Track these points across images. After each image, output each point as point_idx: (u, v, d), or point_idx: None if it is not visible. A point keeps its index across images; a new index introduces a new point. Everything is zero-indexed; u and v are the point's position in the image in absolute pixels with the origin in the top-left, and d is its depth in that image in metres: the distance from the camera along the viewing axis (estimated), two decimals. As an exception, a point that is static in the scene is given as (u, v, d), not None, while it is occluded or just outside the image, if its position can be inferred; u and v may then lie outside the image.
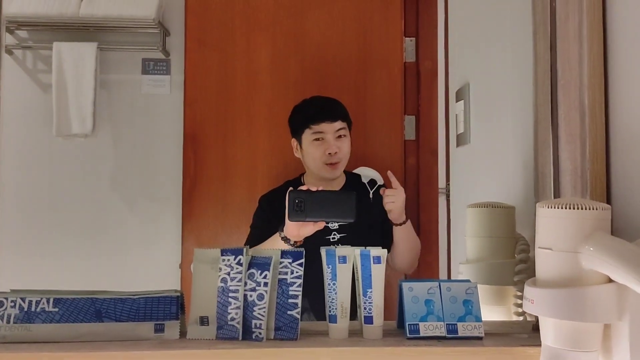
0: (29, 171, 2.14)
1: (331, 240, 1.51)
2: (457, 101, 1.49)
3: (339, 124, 1.57)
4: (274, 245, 1.28)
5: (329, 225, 1.52)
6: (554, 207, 0.75)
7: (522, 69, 1.08)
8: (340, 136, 1.57)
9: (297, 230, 1.23)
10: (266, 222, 1.51)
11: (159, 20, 2.09)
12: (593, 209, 0.73)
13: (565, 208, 0.74)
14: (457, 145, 1.50)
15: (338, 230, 1.54)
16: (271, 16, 2.13)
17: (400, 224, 1.49)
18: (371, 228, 1.57)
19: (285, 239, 1.27)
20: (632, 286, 0.67)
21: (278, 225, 1.30)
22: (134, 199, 2.18)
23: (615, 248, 0.70)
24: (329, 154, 1.54)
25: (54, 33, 2.15)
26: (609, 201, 0.84)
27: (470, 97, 1.41)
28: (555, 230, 0.75)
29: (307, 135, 1.58)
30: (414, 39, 2.17)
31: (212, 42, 2.12)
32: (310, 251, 0.91)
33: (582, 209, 0.73)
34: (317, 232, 1.23)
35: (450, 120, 1.65)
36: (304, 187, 1.19)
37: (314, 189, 1.17)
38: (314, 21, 2.13)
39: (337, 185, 1.64)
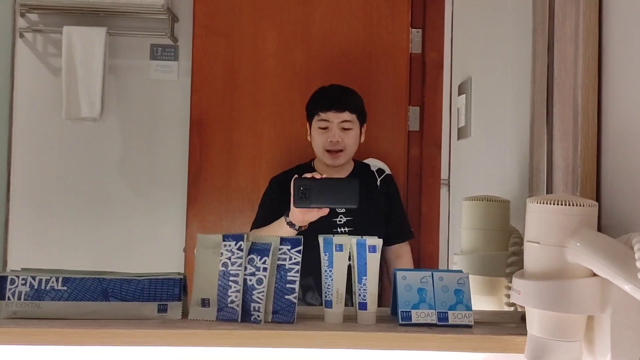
0: (38, 153, 2.18)
1: (337, 222, 1.55)
2: (459, 95, 1.52)
3: (346, 115, 1.61)
4: (279, 229, 1.32)
5: (337, 208, 1.56)
6: (543, 203, 0.78)
7: (522, 67, 1.11)
8: (345, 128, 1.61)
9: (302, 216, 1.27)
10: (275, 203, 1.56)
11: (168, 7, 2.12)
12: (580, 205, 0.76)
13: (554, 204, 0.77)
14: (458, 138, 1.53)
15: (345, 214, 1.58)
16: (278, 4, 2.15)
17: None
18: (377, 213, 1.62)
19: (291, 224, 1.31)
20: (614, 281, 0.70)
21: (286, 205, 1.35)
22: (140, 183, 2.22)
23: (599, 244, 0.73)
24: (330, 141, 1.59)
25: (65, 17, 2.18)
26: (598, 198, 0.87)
27: (472, 92, 1.43)
28: (543, 225, 0.78)
29: (315, 122, 1.63)
30: (420, 30, 2.18)
31: (220, 29, 2.14)
32: (317, 233, 0.96)
33: (569, 205, 0.76)
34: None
35: (453, 113, 1.68)
36: (308, 175, 1.23)
37: (318, 176, 1.22)
38: (321, 10, 2.15)
39: (345, 172, 1.68)
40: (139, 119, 2.22)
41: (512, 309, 1.03)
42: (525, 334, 0.83)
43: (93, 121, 2.13)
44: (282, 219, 1.34)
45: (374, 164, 1.81)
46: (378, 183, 1.68)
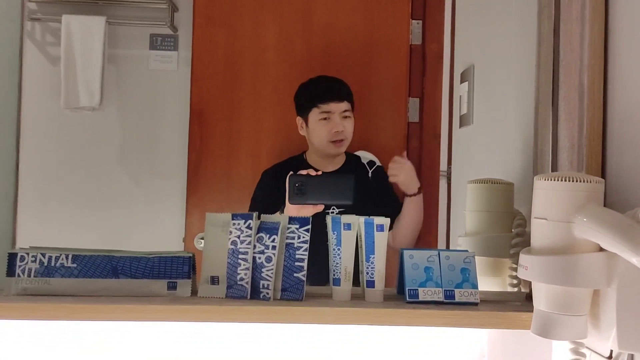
0: (36, 142, 2.17)
1: (330, 214, 1.57)
2: (461, 82, 1.53)
3: (345, 105, 1.64)
4: None
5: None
6: (551, 180, 0.79)
7: (526, 51, 1.12)
8: (345, 117, 1.64)
9: (297, 212, 1.28)
10: (268, 195, 1.58)
11: (168, -4, 2.12)
12: (587, 181, 0.77)
13: (561, 180, 0.78)
14: (460, 125, 1.55)
15: (337, 206, 1.60)
16: (279, -6, 2.15)
17: (412, 195, 1.55)
18: (369, 205, 1.63)
19: None
20: (621, 254, 0.71)
21: (279, 197, 1.36)
22: (139, 172, 2.21)
23: (606, 218, 0.74)
24: (335, 132, 1.61)
25: (63, 6, 2.17)
26: (603, 177, 0.88)
27: (474, 79, 1.45)
28: (550, 201, 0.79)
29: (315, 114, 1.64)
30: (420, 21, 2.19)
31: (220, 19, 2.15)
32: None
33: (576, 181, 0.77)
34: None
35: (455, 101, 1.69)
36: (304, 172, 1.26)
37: (313, 173, 1.24)
38: (321, 1, 2.15)
39: (337, 163, 1.70)
40: (139, 108, 2.21)
41: (515, 289, 1.05)
42: (531, 312, 0.85)
43: (92, 110, 2.13)
44: (277, 215, 1.35)
45: (365, 156, 1.83)
46: (370, 175, 1.71)
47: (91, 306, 0.84)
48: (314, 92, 1.67)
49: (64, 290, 0.89)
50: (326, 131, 1.61)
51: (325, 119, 1.63)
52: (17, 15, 1.12)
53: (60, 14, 2.11)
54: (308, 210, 1.27)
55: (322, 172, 1.28)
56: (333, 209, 1.56)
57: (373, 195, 1.68)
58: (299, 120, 1.71)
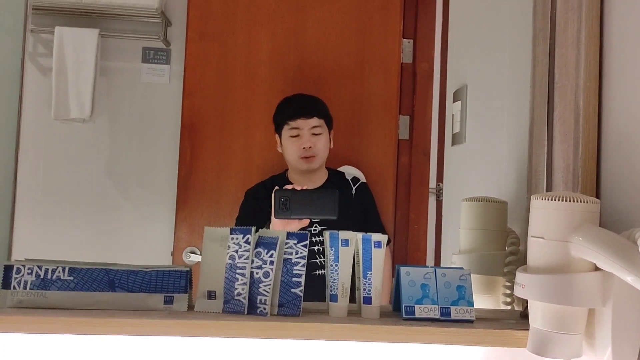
0: (25, 152, 2.15)
1: (312, 231, 1.57)
2: (454, 102, 1.55)
3: (315, 121, 1.66)
4: None
5: (314, 218, 1.58)
6: (548, 199, 0.80)
7: (520, 72, 1.14)
8: (315, 133, 1.66)
9: (282, 227, 1.29)
10: (251, 214, 1.58)
11: (162, 10, 2.13)
12: (583, 202, 0.79)
13: (558, 200, 0.79)
14: (452, 144, 1.57)
15: (319, 223, 1.60)
16: (272, 12, 2.17)
17: None
18: (352, 222, 1.64)
19: None
20: (617, 273, 0.72)
21: (262, 217, 1.36)
22: (129, 186, 2.20)
23: (602, 238, 0.76)
24: (304, 148, 1.63)
25: (56, 17, 2.17)
26: (598, 197, 0.90)
27: (467, 98, 1.47)
28: (547, 221, 0.80)
29: (286, 131, 1.68)
30: (411, 40, 2.22)
31: (213, 34, 2.16)
32: None
33: (573, 201, 0.79)
34: None
35: (447, 120, 1.71)
36: (289, 187, 1.27)
37: (298, 188, 1.25)
38: (314, 19, 2.18)
39: (320, 180, 1.71)
40: (130, 121, 2.21)
41: (509, 307, 1.06)
42: (526, 330, 0.86)
43: (82, 122, 2.12)
44: (275, 230, 1.35)
45: (349, 171, 1.84)
46: (353, 192, 1.72)
47: (87, 320, 0.84)
48: (285, 110, 1.70)
49: (60, 304, 0.88)
50: (295, 148, 1.64)
51: (295, 135, 1.65)
52: (19, 28, 1.12)
53: (52, 26, 2.11)
54: (294, 225, 1.28)
55: (307, 188, 1.29)
56: (316, 225, 1.56)
57: (357, 212, 1.69)
58: (277, 137, 1.74)
